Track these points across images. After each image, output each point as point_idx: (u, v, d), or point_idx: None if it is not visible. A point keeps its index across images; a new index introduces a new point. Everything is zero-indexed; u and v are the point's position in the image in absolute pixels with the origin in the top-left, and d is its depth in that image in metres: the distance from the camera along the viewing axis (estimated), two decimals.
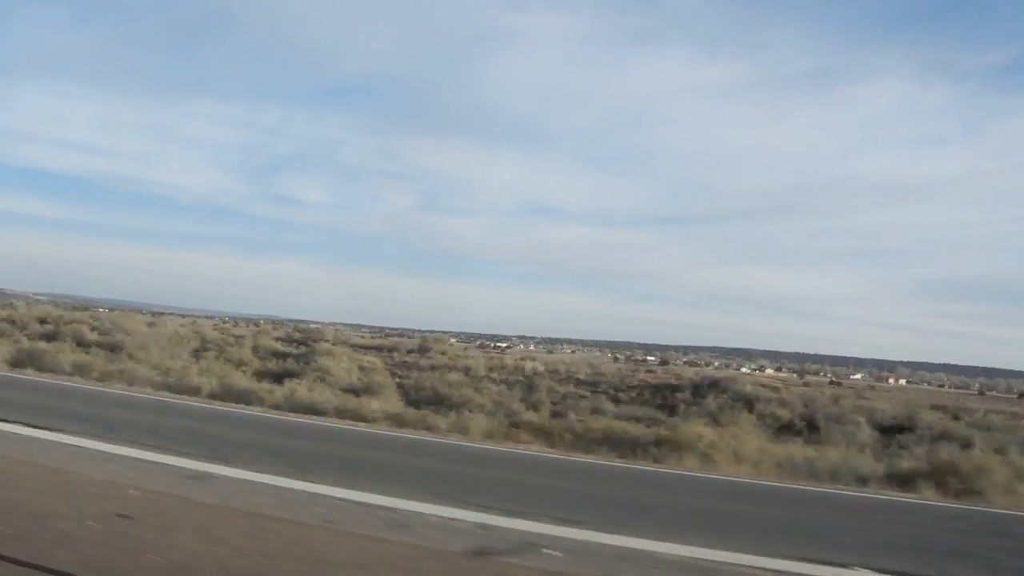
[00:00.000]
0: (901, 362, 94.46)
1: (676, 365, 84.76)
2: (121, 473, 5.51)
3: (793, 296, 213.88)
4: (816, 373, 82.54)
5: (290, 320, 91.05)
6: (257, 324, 77.58)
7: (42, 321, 27.29)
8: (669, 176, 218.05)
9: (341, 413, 14.67)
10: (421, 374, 25.68)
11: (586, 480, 9.07)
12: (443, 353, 35.25)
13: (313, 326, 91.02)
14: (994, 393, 68.20)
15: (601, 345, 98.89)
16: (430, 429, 13.96)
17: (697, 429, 12.07)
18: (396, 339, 50.19)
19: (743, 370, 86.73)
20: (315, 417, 14.02)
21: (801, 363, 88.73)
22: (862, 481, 11.61)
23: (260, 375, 23.50)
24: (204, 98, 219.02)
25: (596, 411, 21.66)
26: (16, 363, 17.66)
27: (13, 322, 27.38)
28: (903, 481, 11.76)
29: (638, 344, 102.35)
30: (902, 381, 78.87)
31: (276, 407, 15.08)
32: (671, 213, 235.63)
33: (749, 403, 21.75)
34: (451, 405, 20.50)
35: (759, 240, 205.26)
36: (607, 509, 6.86)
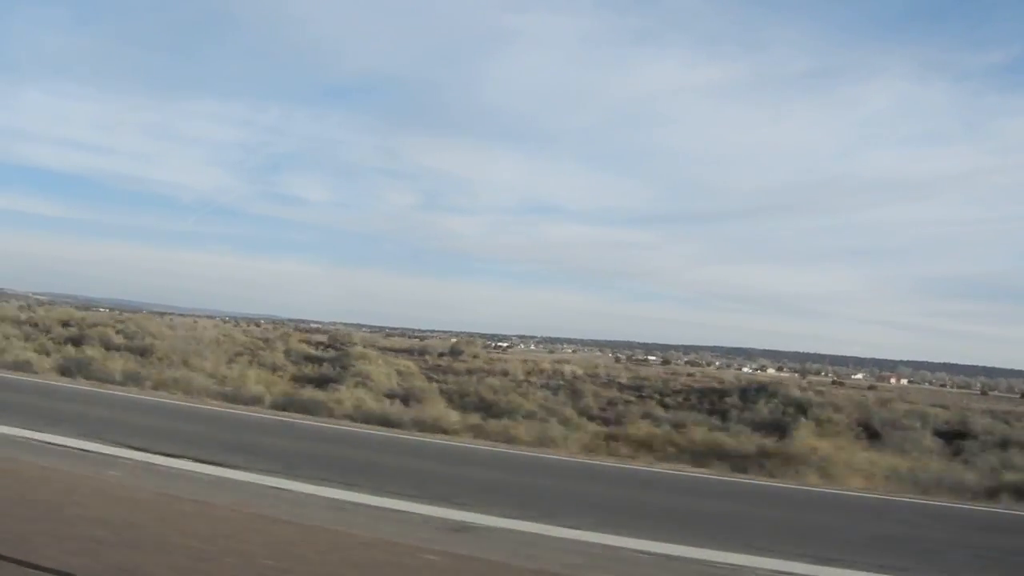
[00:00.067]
0: (902, 361, 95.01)
1: (678, 364, 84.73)
2: (404, 533, 4.89)
3: (793, 295, 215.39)
4: (817, 373, 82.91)
5: (290, 320, 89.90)
6: (257, 324, 76.42)
7: (64, 324, 26.34)
8: (669, 175, 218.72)
9: (419, 425, 14.09)
10: (459, 378, 25.11)
11: (762, 505, 8.56)
12: (475, 356, 34.64)
13: (314, 325, 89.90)
14: (996, 393, 68.83)
15: (601, 344, 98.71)
16: (510, 441, 13.43)
17: (811, 442, 11.64)
18: (425, 342, 49.43)
19: (745, 369, 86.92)
20: (396, 430, 13.46)
21: (801, 362, 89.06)
22: (981, 494, 11.25)
23: (297, 380, 22.83)
24: (204, 97, 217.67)
25: (648, 416, 21.20)
26: (63, 371, 16.86)
27: (35, 325, 26.40)
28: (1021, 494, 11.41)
29: (638, 343, 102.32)
30: (903, 381, 79.35)
31: (348, 418, 14.47)
32: (671, 212, 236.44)
33: (801, 408, 21.40)
34: (500, 412, 20.00)
35: (759, 239, 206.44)
36: (855, 544, 6.31)
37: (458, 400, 22.72)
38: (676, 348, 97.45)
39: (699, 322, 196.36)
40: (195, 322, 38.10)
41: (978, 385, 79.31)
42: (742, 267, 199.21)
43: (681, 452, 11.95)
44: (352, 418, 14.53)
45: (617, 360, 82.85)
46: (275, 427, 11.56)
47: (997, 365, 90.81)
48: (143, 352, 24.50)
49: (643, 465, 10.66)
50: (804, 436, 12.15)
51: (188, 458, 7.27)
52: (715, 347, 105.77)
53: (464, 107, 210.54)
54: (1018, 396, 63.38)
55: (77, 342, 25.44)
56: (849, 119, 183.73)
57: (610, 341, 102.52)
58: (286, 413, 14.20)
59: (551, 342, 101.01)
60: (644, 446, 12.33)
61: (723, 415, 21.45)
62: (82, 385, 15.13)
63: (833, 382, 62.84)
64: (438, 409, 14.92)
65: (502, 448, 11.40)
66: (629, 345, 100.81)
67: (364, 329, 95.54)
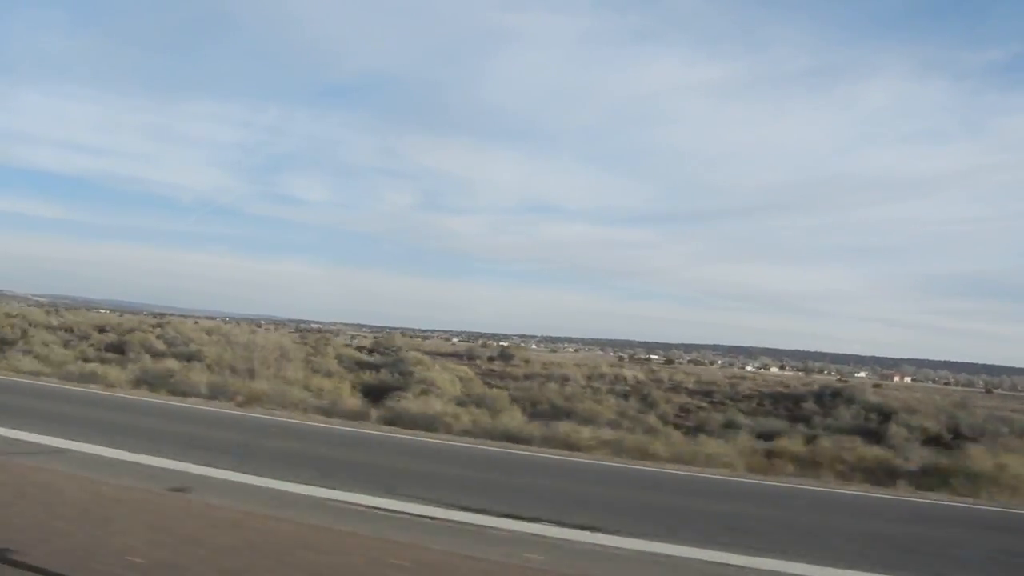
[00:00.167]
0: (903, 359, 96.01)
1: (680, 363, 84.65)
2: None
3: (793, 293, 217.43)
4: (820, 371, 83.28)
5: (291, 320, 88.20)
6: (259, 324, 74.73)
7: (100, 330, 24.88)
8: (669, 174, 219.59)
9: (548, 441, 13.20)
10: (519, 383, 24.16)
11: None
12: (526, 361, 33.61)
13: (314, 325, 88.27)
14: (1000, 391, 69.64)
15: (602, 343, 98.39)
16: (648, 458, 12.62)
17: (995, 459, 10.98)
18: (471, 345, 48.22)
19: (748, 368, 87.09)
20: (527, 448, 12.56)
21: (803, 360, 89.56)
22: None
23: (357, 388, 21.78)
24: (204, 98, 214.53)
25: (732, 425, 20.54)
26: (142, 384, 15.69)
27: (70, 330, 24.95)
28: None
29: (639, 342, 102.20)
30: (907, 379, 79.97)
31: (467, 434, 13.53)
32: (671, 211, 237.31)
33: (883, 414, 20.88)
34: (581, 420, 19.18)
35: (759, 237, 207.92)
36: None
37: (530, 408, 21.87)
38: (677, 347, 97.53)
39: (699, 321, 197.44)
40: (237, 325, 36.66)
41: (981, 383, 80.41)
42: (742, 266, 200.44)
43: (852, 470, 11.23)
44: (471, 434, 13.61)
45: (620, 359, 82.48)
46: (450, 454, 10.59)
47: (997, 363, 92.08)
48: (189, 359, 23.27)
49: (839, 488, 9.91)
50: (980, 453, 11.47)
51: (481, 511, 6.26)
52: (716, 345, 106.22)
53: (464, 107, 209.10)
54: None
55: (118, 349, 24.11)
56: (849, 117, 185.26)
57: (611, 340, 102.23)
58: (401, 430, 13.24)
59: (552, 341, 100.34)
60: (806, 463, 11.58)
61: (807, 421, 20.85)
62: (172, 401, 14.00)
63: (838, 381, 63.18)
64: (570, 426, 14.01)
65: (683, 471, 10.55)
66: (630, 344, 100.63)
67: (365, 329, 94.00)
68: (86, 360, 22.01)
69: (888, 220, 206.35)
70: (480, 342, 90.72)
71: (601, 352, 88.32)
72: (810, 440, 17.21)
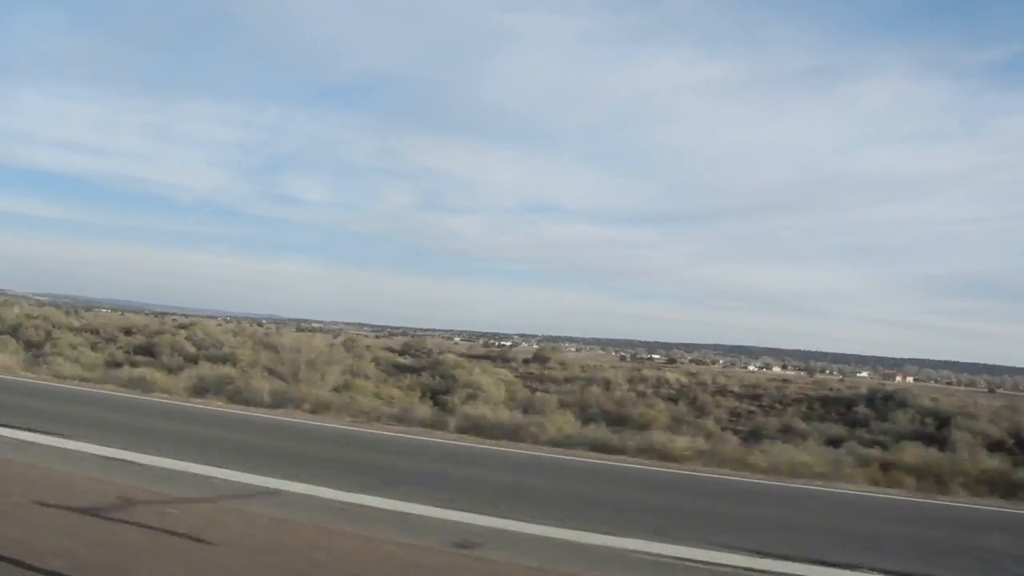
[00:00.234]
0: (905, 359, 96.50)
1: (682, 363, 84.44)
2: None
3: (793, 293, 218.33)
4: (823, 371, 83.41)
5: (291, 319, 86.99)
6: (260, 324, 73.56)
7: (126, 332, 23.96)
8: (669, 174, 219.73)
9: (644, 452, 12.62)
10: (561, 387, 23.53)
11: None
12: (562, 363, 32.94)
13: (315, 325, 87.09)
14: (1003, 391, 70.02)
15: (602, 343, 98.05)
16: (745, 469, 12.08)
17: None
18: (502, 347, 47.50)
19: (750, 368, 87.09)
20: (618, 458, 11.98)
21: (804, 360, 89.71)
22: None
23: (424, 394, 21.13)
24: (204, 98, 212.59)
25: (789, 430, 20.07)
26: (197, 391, 14.91)
27: (95, 332, 24.01)
28: None
29: (639, 342, 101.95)
30: (909, 379, 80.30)
31: (554, 444, 12.91)
32: (671, 210, 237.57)
33: (941, 419, 20.52)
34: (636, 425, 18.69)
35: (760, 237, 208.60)
36: None
37: (580, 413, 21.29)
38: (677, 346, 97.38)
39: (700, 320, 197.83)
40: (260, 326, 35.70)
41: (983, 383, 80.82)
42: (742, 265, 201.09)
43: (977, 483, 10.73)
44: (557, 444, 13.01)
45: (623, 359, 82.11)
46: (610, 475, 9.88)
47: (997, 363, 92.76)
48: (224, 362, 22.49)
49: (989, 504, 9.41)
50: None
51: (783, 557, 5.34)
52: (716, 345, 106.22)
53: (464, 106, 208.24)
54: None
55: (147, 351, 23.23)
56: (849, 117, 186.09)
57: (611, 340, 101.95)
58: (486, 440, 12.58)
59: (552, 341, 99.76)
60: (922, 474, 11.08)
61: (863, 426, 20.43)
62: (235, 409, 13.24)
63: (840, 381, 63.15)
64: (662, 434, 13.43)
65: (811, 486, 9.97)
66: (631, 344, 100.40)
67: (365, 328, 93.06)
68: (116, 364, 21.17)
69: (888, 220, 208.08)
70: (482, 341, 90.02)
71: (602, 352, 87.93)
72: (869, 445, 16.80)
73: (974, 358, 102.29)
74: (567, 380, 26.77)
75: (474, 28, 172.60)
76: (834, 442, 17.62)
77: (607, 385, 24.67)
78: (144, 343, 23.58)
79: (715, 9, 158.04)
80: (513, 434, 13.29)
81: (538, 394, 22.90)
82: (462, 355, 28.05)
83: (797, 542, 6.07)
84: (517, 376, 25.73)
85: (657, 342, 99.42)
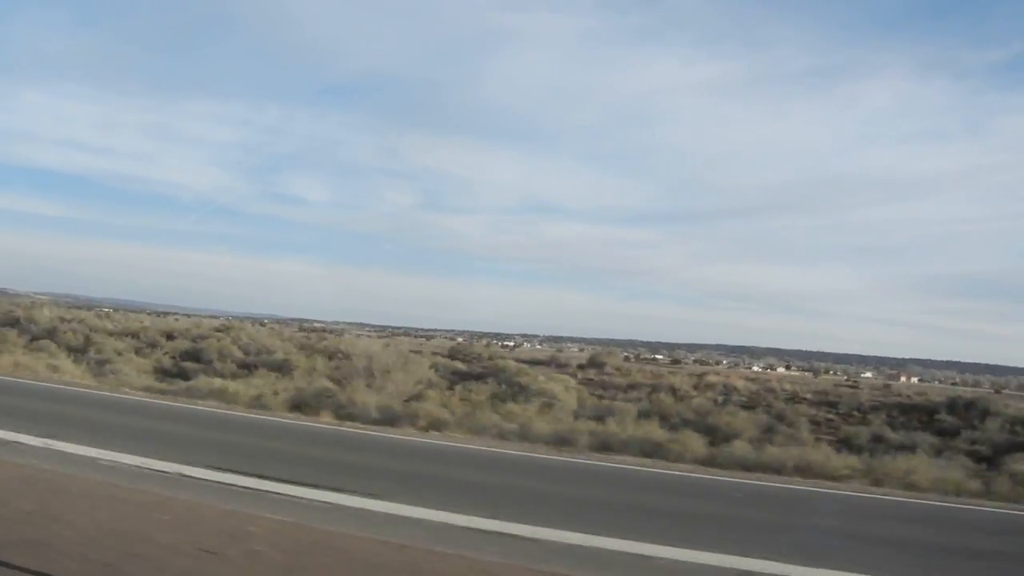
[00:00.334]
0: (908, 359, 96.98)
1: (686, 363, 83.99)
2: None
3: (794, 293, 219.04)
4: (825, 371, 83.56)
5: (292, 319, 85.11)
6: (262, 323, 71.78)
7: (168, 336, 22.50)
8: (670, 173, 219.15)
9: (802, 471, 11.69)
10: (627, 394, 22.57)
11: None
12: (617, 369, 31.93)
13: (317, 325, 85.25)
14: (1008, 391, 70.38)
15: (605, 343, 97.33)
16: (909, 488, 11.23)
17: None
18: (516, 349, 46.26)
19: (755, 368, 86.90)
20: (789, 479, 11.08)
21: (806, 360, 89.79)
22: None
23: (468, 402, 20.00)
24: (204, 97, 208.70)
25: (881, 440, 19.32)
26: (295, 406, 13.71)
27: (135, 336, 22.53)
28: None
29: (641, 342, 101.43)
30: (914, 379, 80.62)
31: (701, 463, 11.94)
32: (672, 210, 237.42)
33: None
34: (725, 436, 17.82)
35: (760, 237, 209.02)
36: None
37: (659, 422, 20.37)
38: (680, 346, 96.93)
39: (701, 320, 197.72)
40: (299, 330, 34.19)
41: (987, 383, 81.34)
42: (743, 266, 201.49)
43: None
44: (703, 463, 12.04)
45: (626, 359, 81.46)
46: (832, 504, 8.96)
47: (1000, 363, 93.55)
48: (279, 368, 21.22)
49: None
50: None
51: None
52: (718, 345, 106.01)
53: (464, 106, 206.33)
54: None
55: (194, 357, 21.83)
56: (849, 117, 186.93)
57: (613, 340, 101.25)
58: (630, 459, 11.60)
59: (554, 341, 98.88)
60: None
61: (953, 435, 19.75)
62: (362, 429, 12.06)
63: (846, 382, 62.97)
64: (820, 451, 12.52)
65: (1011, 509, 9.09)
66: (633, 344, 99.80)
67: (367, 328, 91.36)
68: (166, 371, 19.83)
69: (889, 220, 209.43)
70: (484, 342, 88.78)
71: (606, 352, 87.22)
72: (971, 456, 16.08)
73: (975, 358, 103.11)
74: (631, 387, 25.83)
75: (474, 28, 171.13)
76: (935, 452, 16.90)
77: (674, 392, 23.81)
78: (190, 348, 22.19)
79: (715, 9, 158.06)
80: (654, 452, 12.31)
81: (606, 401, 21.90)
82: (521, 361, 26.90)
83: None
84: (579, 383, 24.69)
85: (659, 342, 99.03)
